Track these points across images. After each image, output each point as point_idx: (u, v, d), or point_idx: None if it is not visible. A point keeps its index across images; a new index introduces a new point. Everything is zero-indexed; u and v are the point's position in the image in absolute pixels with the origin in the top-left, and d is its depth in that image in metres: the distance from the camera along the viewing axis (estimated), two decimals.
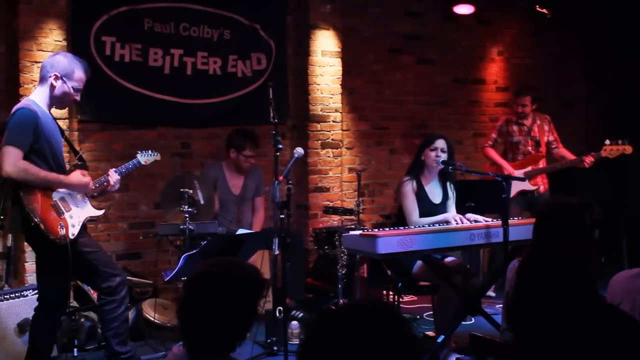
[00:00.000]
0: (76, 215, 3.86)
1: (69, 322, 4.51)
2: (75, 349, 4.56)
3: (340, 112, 6.49)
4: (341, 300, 5.07)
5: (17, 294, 4.45)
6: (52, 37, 5.06)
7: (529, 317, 1.93)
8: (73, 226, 3.81)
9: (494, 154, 6.37)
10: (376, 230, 4.29)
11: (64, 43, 5.12)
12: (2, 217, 4.84)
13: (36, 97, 3.83)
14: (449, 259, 4.57)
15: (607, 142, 5.85)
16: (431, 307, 4.95)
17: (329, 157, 6.42)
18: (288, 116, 6.36)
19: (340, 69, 6.44)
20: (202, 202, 4.91)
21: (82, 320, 4.68)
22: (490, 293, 5.82)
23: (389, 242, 3.92)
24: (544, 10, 7.05)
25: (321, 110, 6.35)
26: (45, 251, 3.84)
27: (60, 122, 4.23)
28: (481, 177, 5.46)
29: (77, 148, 4.67)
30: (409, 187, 4.62)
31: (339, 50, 6.42)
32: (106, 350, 4.05)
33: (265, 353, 4.67)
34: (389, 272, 4.73)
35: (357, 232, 4.19)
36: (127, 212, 5.67)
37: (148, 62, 5.60)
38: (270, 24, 6.19)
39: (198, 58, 5.82)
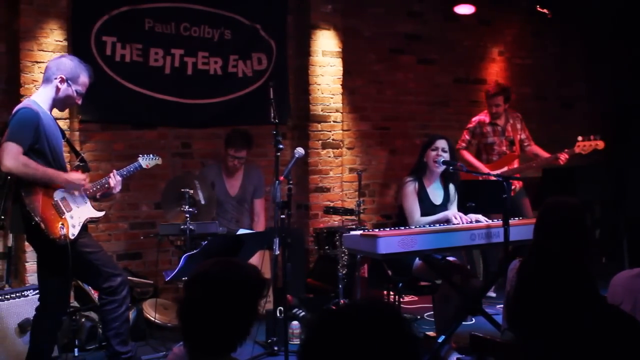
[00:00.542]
0: (77, 216, 3.86)
1: (70, 322, 4.52)
2: (76, 349, 4.57)
3: (341, 112, 6.50)
4: (342, 301, 5.07)
5: (17, 294, 4.45)
6: (53, 37, 5.06)
7: (530, 317, 1.94)
8: (73, 226, 3.81)
9: (469, 156, 6.36)
10: (377, 230, 4.29)
11: (65, 43, 5.13)
12: (2, 217, 4.84)
13: (38, 98, 3.84)
14: (449, 259, 4.57)
15: (580, 138, 5.87)
16: (432, 307, 4.95)
17: (329, 157, 6.42)
18: (289, 116, 6.36)
19: (341, 69, 6.45)
20: (202, 202, 4.92)
21: (83, 320, 4.68)
22: (491, 293, 5.82)
23: (390, 242, 3.92)
24: (545, 10, 7.05)
25: (322, 111, 6.35)
26: (45, 251, 3.84)
27: (60, 123, 4.24)
28: (483, 178, 5.46)
29: (78, 148, 4.68)
30: (411, 188, 4.64)
31: (340, 50, 6.42)
32: (107, 350, 4.05)
33: (266, 353, 4.67)
34: (389, 272, 4.73)
35: (358, 232, 4.19)
36: (127, 212, 5.68)
37: (149, 62, 5.60)
38: (270, 24, 6.19)
39: (199, 58, 5.82)
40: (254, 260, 4.88)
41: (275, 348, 4.65)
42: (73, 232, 3.80)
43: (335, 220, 6.12)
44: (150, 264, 5.65)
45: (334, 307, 3.29)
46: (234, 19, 6.00)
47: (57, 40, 5.08)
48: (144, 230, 5.63)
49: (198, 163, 5.95)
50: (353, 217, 5.64)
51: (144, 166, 4.40)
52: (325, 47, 6.33)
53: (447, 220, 4.46)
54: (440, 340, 4.27)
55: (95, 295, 4.65)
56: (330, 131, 6.41)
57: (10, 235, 4.97)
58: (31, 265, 4.83)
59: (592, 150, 5.89)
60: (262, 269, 4.87)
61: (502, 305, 4.44)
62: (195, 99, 5.86)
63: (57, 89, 3.82)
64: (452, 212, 4.55)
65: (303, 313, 5.08)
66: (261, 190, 5.76)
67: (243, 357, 4.26)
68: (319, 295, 5.61)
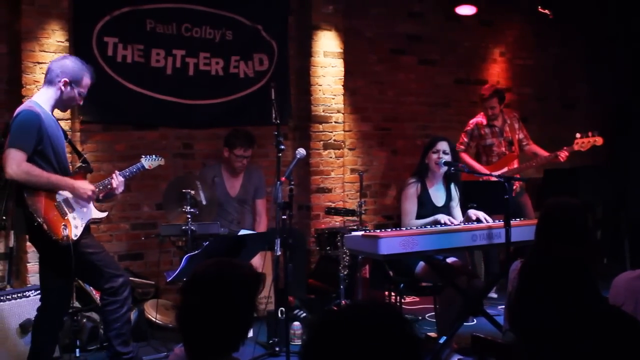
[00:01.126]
0: (79, 217, 3.86)
1: (71, 322, 4.52)
2: (77, 350, 4.56)
3: (342, 113, 6.50)
4: (343, 301, 5.07)
5: (19, 295, 4.46)
6: (55, 38, 5.07)
7: (531, 318, 1.93)
8: (76, 227, 3.81)
9: (468, 159, 6.36)
10: (378, 231, 4.29)
11: (66, 44, 5.13)
12: (4, 217, 4.85)
13: (40, 99, 3.84)
14: (450, 260, 4.58)
15: (578, 135, 5.87)
16: (433, 308, 4.95)
17: (331, 157, 6.42)
18: (290, 117, 6.36)
19: (342, 69, 6.45)
20: (204, 202, 4.92)
21: (85, 320, 4.68)
22: (492, 294, 5.82)
23: (391, 243, 3.92)
24: (546, 11, 7.04)
25: (323, 111, 6.35)
26: (48, 252, 3.85)
27: (62, 123, 4.24)
28: (484, 179, 5.46)
29: (80, 149, 4.68)
30: (412, 190, 4.65)
31: (341, 50, 6.42)
32: (108, 350, 4.06)
33: (267, 354, 4.67)
34: (390, 273, 4.73)
35: (359, 233, 4.19)
36: (129, 212, 5.68)
37: (150, 62, 5.60)
38: (272, 25, 6.19)
39: (200, 59, 5.82)
40: (255, 261, 4.89)
41: (277, 349, 4.64)
42: (76, 232, 3.80)
43: (336, 221, 6.12)
44: (151, 265, 5.65)
45: (335, 308, 3.29)
46: (236, 20, 6.00)
47: (58, 41, 5.08)
48: (145, 231, 5.63)
49: (199, 164, 5.95)
50: (354, 218, 5.64)
51: (147, 167, 4.40)
52: (327, 47, 6.33)
53: (437, 223, 4.45)
54: (441, 341, 4.27)
55: (96, 295, 4.66)
56: (331, 132, 6.41)
57: (12, 236, 4.98)
58: (33, 265, 4.84)
59: (590, 147, 5.89)
60: (263, 269, 4.89)
61: (503, 306, 4.44)
62: (197, 100, 5.86)
63: (61, 91, 3.83)
64: (441, 215, 4.53)
65: (304, 314, 5.08)
66: (262, 190, 5.75)
67: (244, 357, 4.26)
68: (320, 296, 5.61)
